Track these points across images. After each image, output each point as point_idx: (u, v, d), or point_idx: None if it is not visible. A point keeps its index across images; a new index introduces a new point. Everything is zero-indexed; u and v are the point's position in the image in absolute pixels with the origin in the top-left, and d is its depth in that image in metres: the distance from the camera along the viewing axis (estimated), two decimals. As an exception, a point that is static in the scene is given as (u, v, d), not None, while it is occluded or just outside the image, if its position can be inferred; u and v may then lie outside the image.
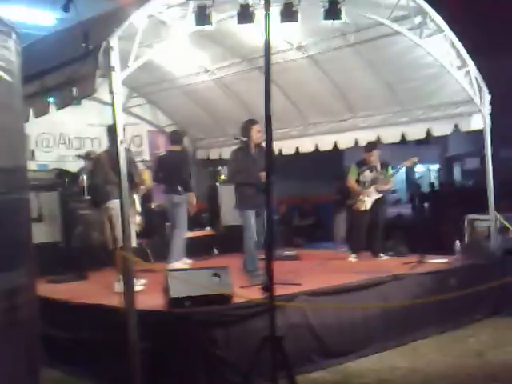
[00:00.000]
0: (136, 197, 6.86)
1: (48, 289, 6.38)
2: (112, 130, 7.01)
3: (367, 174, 8.50)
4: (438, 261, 7.46)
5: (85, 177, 8.77)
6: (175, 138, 8.49)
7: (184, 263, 7.94)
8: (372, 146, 8.62)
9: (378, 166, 8.48)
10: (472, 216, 8.76)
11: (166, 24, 5.72)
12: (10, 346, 3.08)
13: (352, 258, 8.42)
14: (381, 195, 8.45)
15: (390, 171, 8.60)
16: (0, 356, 2.93)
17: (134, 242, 6.38)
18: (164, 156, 8.62)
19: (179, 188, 7.98)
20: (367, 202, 8.41)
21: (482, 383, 5.02)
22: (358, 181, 8.53)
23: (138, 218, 6.96)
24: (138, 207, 6.94)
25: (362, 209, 8.44)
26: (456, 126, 8.31)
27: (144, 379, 4.66)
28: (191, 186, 8.34)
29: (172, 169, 8.08)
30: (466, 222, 8.81)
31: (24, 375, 3.31)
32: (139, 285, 6.20)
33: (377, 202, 8.43)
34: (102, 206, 6.85)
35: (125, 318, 4.74)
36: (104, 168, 6.72)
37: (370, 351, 5.86)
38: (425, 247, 7.77)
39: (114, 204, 6.61)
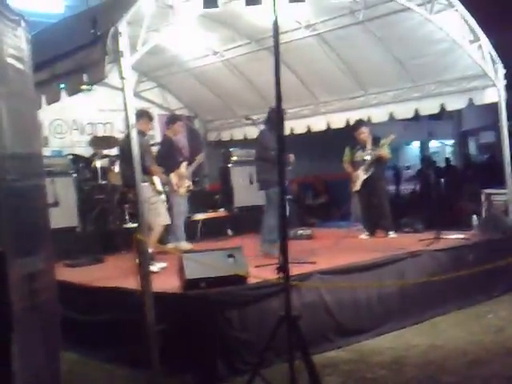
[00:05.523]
0: (155, 178, 6.83)
1: (65, 272, 6.45)
2: (138, 115, 7.07)
3: (359, 155, 8.47)
4: (454, 237, 7.42)
5: (98, 162, 8.83)
6: (167, 121, 8.46)
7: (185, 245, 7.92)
8: (358, 124, 8.56)
9: (369, 144, 8.38)
10: (489, 190, 8.67)
11: (174, 7, 5.68)
12: (30, 328, 3.12)
13: (363, 236, 8.42)
14: (368, 175, 8.31)
15: (383, 141, 8.41)
16: (21, 338, 2.97)
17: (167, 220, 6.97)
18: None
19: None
20: (356, 183, 8.42)
21: (501, 359, 4.97)
22: (354, 162, 8.50)
23: (163, 196, 7.08)
24: (159, 187, 6.92)
25: (354, 190, 8.49)
26: (470, 99, 8.22)
27: (161, 360, 4.71)
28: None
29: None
30: (482, 197, 8.73)
31: (44, 357, 3.35)
32: (158, 267, 6.25)
33: (370, 181, 8.33)
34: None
35: (141, 300, 4.78)
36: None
37: (387, 329, 5.85)
38: (441, 223, 7.72)
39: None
